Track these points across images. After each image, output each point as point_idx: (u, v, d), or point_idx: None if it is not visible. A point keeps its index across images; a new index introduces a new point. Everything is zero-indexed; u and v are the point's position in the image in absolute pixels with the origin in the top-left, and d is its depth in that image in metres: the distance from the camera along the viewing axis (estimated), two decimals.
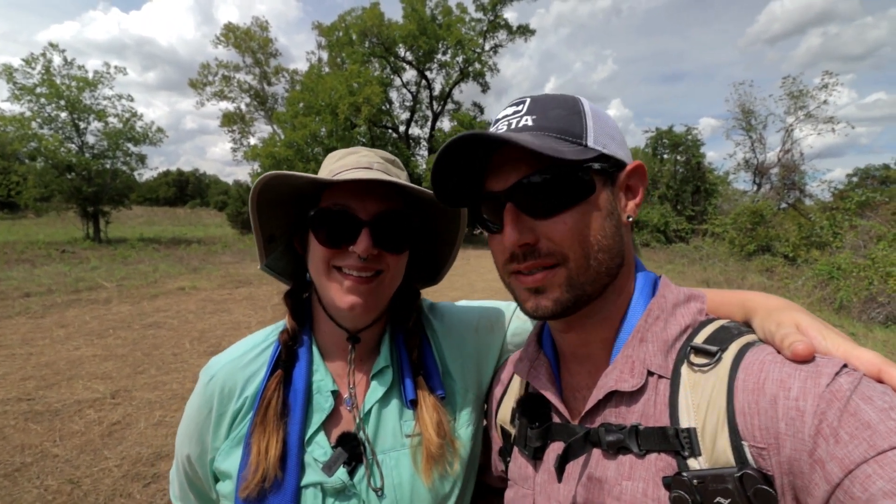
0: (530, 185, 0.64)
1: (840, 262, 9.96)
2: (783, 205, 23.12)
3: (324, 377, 0.89)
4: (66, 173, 21.45)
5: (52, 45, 21.69)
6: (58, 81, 21.46)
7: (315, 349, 0.92)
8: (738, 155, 26.63)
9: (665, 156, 27.00)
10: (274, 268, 0.96)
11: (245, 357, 0.90)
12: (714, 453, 0.55)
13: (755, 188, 25.97)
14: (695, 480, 0.54)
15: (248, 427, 0.83)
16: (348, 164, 0.88)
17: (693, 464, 0.56)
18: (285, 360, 0.88)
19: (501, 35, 29.72)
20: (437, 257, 1.04)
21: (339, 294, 0.84)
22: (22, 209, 25.07)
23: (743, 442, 0.53)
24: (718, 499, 0.52)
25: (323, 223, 0.83)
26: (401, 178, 0.92)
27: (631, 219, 0.70)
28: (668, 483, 0.57)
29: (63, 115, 21.90)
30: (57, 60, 21.84)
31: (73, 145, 22.31)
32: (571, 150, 0.62)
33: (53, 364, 5.39)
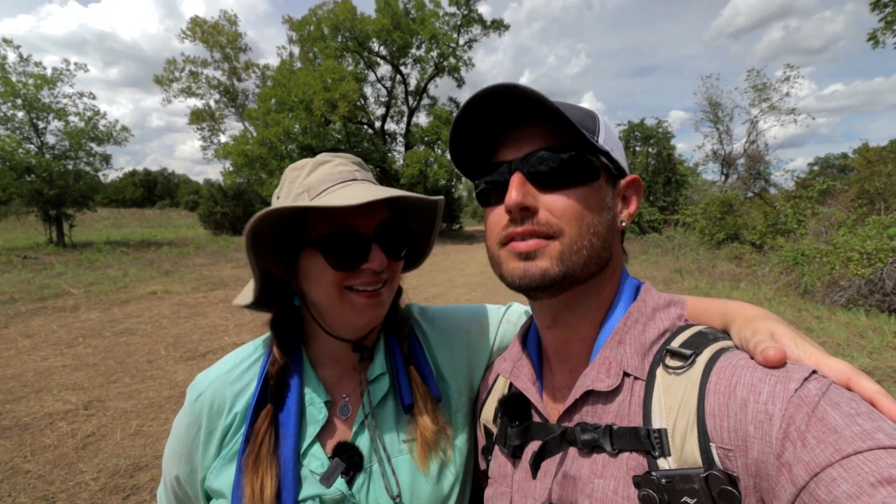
0: (543, 156, 0.66)
1: (804, 248, 10.35)
2: (749, 194, 23.90)
3: (316, 388, 0.88)
4: (25, 175, 20.36)
5: (5, 40, 20.55)
6: (13, 79, 20.35)
7: (306, 361, 0.91)
8: (707, 146, 27.38)
9: (637, 148, 27.54)
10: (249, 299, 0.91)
11: (234, 372, 0.88)
12: (683, 454, 0.57)
13: (723, 178, 26.77)
14: (663, 480, 0.56)
15: (241, 446, 0.81)
16: (326, 177, 0.85)
17: (663, 464, 0.58)
18: (276, 394, 0.85)
19: (475, 29, 29.71)
20: (415, 251, 1.06)
21: (355, 313, 0.84)
22: None
23: (711, 443, 0.55)
24: (685, 498, 0.54)
25: (333, 247, 0.81)
26: (374, 180, 0.92)
27: (624, 224, 0.73)
28: (638, 482, 0.59)
29: (20, 114, 20.73)
30: (11, 57, 20.77)
31: (32, 146, 21.18)
32: (589, 136, 0.66)
33: (20, 376, 5.16)
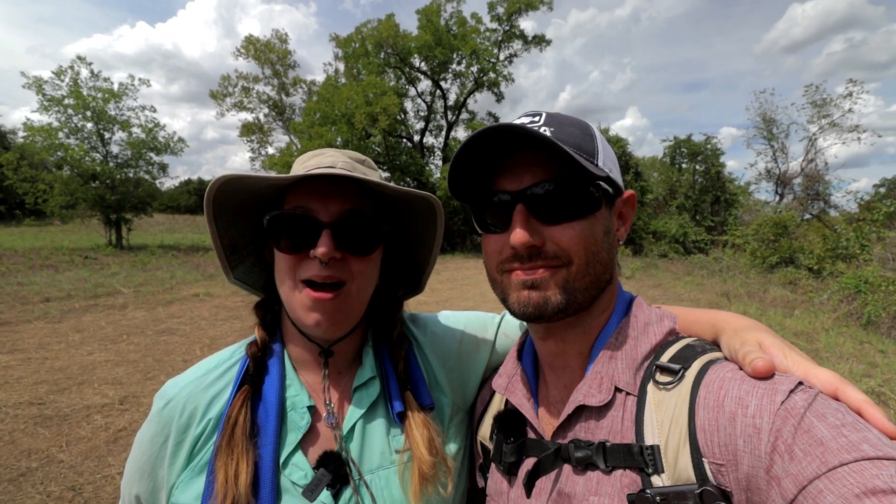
0: (545, 190, 0.66)
1: (867, 275, 9.55)
2: (807, 216, 22.51)
3: (298, 392, 0.83)
4: (90, 182, 22.06)
5: (79, 58, 22.47)
6: (85, 93, 22.19)
7: (288, 362, 0.86)
8: (760, 164, 26.17)
9: (683, 165, 26.57)
10: (246, 280, 0.90)
11: (208, 376, 0.83)
12: (676, 470, 0.56)
13: (777, 198, 25.35)
14: (658, 497, 0.55)
15: (213, 451, 0.75)
16: (312, 165, 0.83)
17: (657, 481, 0.58)
18: (253, 375, 0.81)
19: (517, 45, 29.77)
20: (415, 262, 0.98)
21: (303, 309, 0.78)
22: (48, 216, 25.75)
23: (703, 459, 0.55)
24: None
25: (280, 227, 0.78)
26: (370, 177, 0.86)
27: (621, 242, 0.74)
28: (633, 500, 0.58)
29: (89, 125, 22.59)
30: (84, 73, 22.64)
31: (98, 155, 22.96)
32: (589, 165, 0.65)
33: (67, 369, 5.45)
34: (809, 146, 24.03)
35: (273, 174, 0.76)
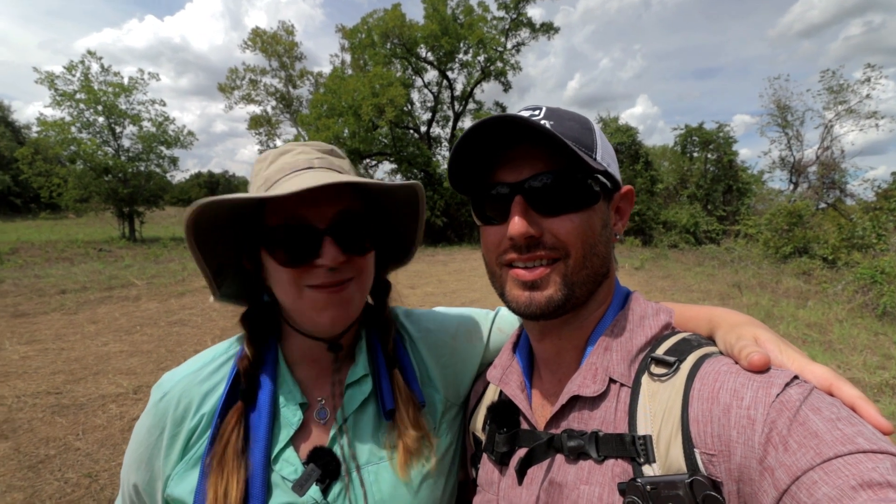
0: (543, 182, 0.66)
1: (884, 265, 9.36)
2: (822, 205, 22.10)
3: (291, 389, 0.83)
4: (103, 175, 22.41)
5: (90, 52, 22.71)
6: (96, 87, 22.43)
7: (281, 360, 0.86)
8: (774, 153, 25.59)
9: (695, 154, 26.16)
10: (226, 294, 0.88)
11: (202, 371, 0.84)
12: (667, 460, 0.57)
13: (791, 187, 24.88)
14: (648, 486, 0.56)
15: (206, 448, 0.76)
16: (284, 167, 0.80)
17: (647, 470, 0.58)
18: (246, 391, 0.80)
19: (524, 33, 29.38)
20: (402, 237, 0.97)
21: (317, 311, 0.78)
22: (63, 210, 26.31)
23: (695, 449, 0.55)
24: None
25: (279, 242, 0.75)
26: (344, 168, 0.84)
27: (618, 237, 0.75)
28: (623, 489, 0.58)
29: (100, 119, 22.91)
30: (95, 67, 22.88)
31: (110, 149, 23.29)
32: (588, 158, 0.66)
33: (82, 359, 5.58)
34: (825, 133, 23.49)
35: (243, 195, 0.71)
